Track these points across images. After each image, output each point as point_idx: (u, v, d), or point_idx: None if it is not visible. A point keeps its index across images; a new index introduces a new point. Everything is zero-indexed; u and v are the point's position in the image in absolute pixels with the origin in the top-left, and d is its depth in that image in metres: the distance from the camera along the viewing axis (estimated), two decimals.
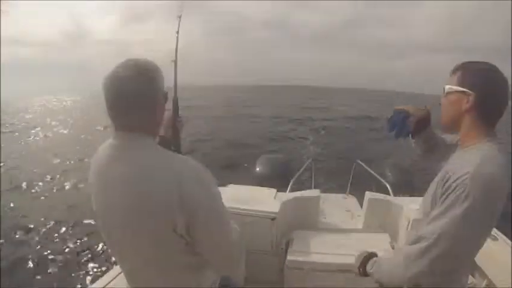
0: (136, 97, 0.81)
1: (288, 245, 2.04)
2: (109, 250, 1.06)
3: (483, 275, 1.79)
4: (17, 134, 15.70)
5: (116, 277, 1.57)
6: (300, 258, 1.90)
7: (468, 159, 0.88)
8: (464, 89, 0.94)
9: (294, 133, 13.97)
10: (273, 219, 1.96)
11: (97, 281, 1.58)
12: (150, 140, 0.86)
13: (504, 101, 0.94)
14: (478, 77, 0.94)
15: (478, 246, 0.90)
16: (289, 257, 1.91)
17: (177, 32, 1.22)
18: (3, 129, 15.95)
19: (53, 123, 19.45)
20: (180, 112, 1.20)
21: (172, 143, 1.17)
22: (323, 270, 1.87)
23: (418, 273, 0.88)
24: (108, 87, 0.81)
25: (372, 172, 3.11)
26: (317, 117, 19.02)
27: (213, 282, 1.03)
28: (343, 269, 1.85)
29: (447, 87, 0.98)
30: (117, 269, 1.62)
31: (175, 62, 1.20)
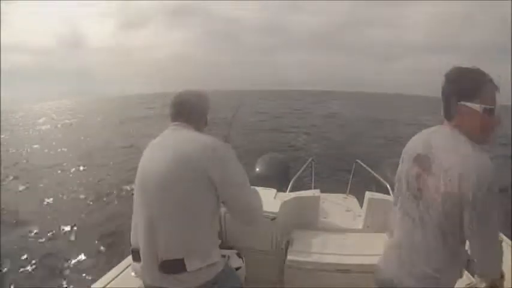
0: (191, 107, 1.25)
1: (288, 244, 2.04)
2: (134, 213, 1.21)
3: None
4: None
5: (116, 277, 1.57)
6: (300, 258, 1.91)
7: None
8: None
9: (294, 134, 13.99)
10: (273, 219, 1.96)
11: (97, 281, 1.58)
12: (194, 129, 1.22)
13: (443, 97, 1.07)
14: None
15: None
16: (289, 257, 1.91)
17: None
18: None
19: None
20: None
21: None
22: (323, 270, 1.87)
23: None
24: (176, 100, 1.27)
25: (372, 172, 3.10)
26: (316, 119, 19.05)
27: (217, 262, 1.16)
28: (343, 269, 1.86)
29: None
30: (117, 269, 1.62)
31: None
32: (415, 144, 1.15)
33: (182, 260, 1.07)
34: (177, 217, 1.08)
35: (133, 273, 1.24)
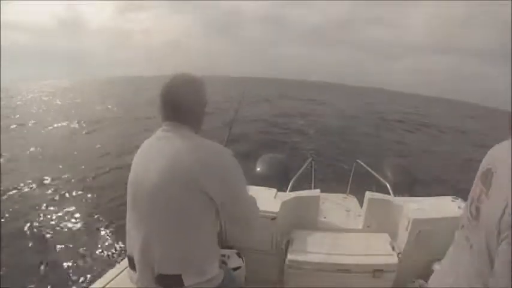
0: (185, 102, 1.09)
1: (288, 244, 2.04)
2: (127, 218, 1.15)
3: None
4: None
5: (115, 277, 1.57)
6: (300, 258, 1.91)
7: None
8: None
9: (293, 130, 13.99)
10: (273, 219, 1.96)
11: (96, 281, 1.58)
12: (189, 130, 1.10)
13: None
14: None
15: None
16: (289, 257, 1.92)
17: None
18: None
19: None
20: None
21: None
22: (323, 269, 1.87)
23: None
24: (165, 92, 1.09)
25: (372, 172, 3.10)
26: (316, 114, 19.04)
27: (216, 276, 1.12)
28: (343, 269, 1.86)
29: None
30: (116, 269, 1.62)
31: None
32: (486, 157, 0.96)
33: (180, 275, 1.03)
34: (173, 231, 1.02)
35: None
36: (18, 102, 26.02)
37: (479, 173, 0.96)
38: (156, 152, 1.07)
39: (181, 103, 1.09)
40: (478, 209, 0.91)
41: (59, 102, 25.18)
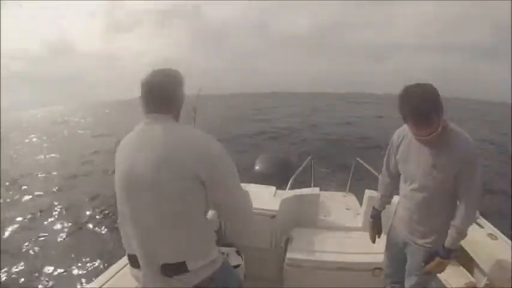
0: (170, 94, 1.11)
1: (287, 242, 2.04)
2: (120, 216, 1.14)
3: (483, 274, 1.79)
4: None
5: (112, 277, 1.57)
6: (300, 256, 1.91)
7: None
8: None
9: (292, 136, 13.97)
10: (272, 217, 1.96)
11: (94, 281, 1.58)
12: (172, 119, 1.11)
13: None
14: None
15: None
16: (288, 255, 1.92)
17: None
18: None
19: None
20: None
21: None
22: (322, 267, 1.87)
23: None
24: (150, 85, 1.10)
25: (372, 170, 3.10)
26: (314, 120, 18.93)
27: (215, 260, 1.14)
28: (342, 267, 1.86)
29: None
30: (113, 268, 1.62)
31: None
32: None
33: (184, 262, 1.05)
34: (172, 224, 1.04)
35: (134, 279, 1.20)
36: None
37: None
38: (144, 144, 1.06)
39: (166, 95, 1.11)
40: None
41: None
